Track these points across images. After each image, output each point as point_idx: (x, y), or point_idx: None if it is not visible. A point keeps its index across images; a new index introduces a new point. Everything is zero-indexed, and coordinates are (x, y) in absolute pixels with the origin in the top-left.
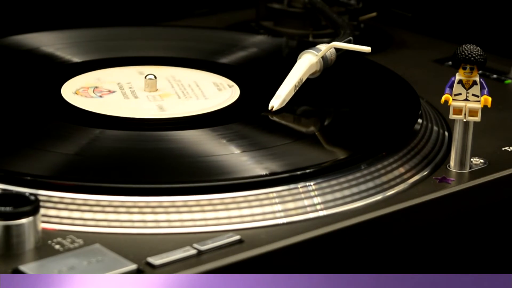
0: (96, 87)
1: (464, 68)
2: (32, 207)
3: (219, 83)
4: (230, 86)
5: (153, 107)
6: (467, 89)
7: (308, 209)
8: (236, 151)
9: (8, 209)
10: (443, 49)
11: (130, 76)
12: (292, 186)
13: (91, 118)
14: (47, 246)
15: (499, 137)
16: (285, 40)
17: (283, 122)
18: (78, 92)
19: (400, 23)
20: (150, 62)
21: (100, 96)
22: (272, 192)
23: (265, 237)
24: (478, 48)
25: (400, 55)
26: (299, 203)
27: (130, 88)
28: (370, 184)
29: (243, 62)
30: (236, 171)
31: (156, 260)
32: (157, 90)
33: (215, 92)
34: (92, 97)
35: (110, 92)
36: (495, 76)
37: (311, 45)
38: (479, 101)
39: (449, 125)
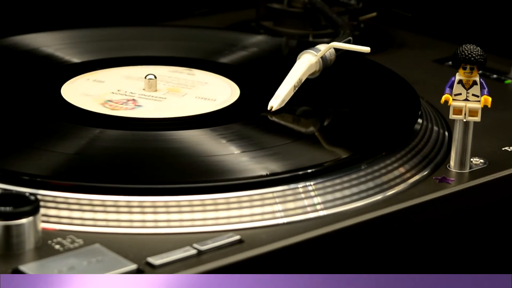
0: (110, 100)
1: (464, 68)
2: (32, 207)
3: (180, 71)
4: (189, 69)
5: (198, 101)
6: (467, 89)
7: (308, 209)
8: (236, 151)
9: (8, 209)
10: (443, 49)
11: (103, 84)
12: (292, 186)
13: (91, 118)
14: (47, 246)
15: (499, 137)
16: (285, 40)
17: (282, 122)
18: (105, 104)
19: (400, 23)
20: (150, 62)
21: (138, 105)
22: (272, 192)
23: (265, 237)
24: (478, 48)
25: (400, 55)
26: (299, 203)
27: (132, 93)
28: (370, 184)
29: (243, 62)
30: (236, 171)
31: (156, 260)
32: (157, 89)
33: (193, 78)
34: (132, 108)
35: (134, 101)
36: (495, 76)
37: (311, 45)
38: (479, 101)
39: (449, 125)
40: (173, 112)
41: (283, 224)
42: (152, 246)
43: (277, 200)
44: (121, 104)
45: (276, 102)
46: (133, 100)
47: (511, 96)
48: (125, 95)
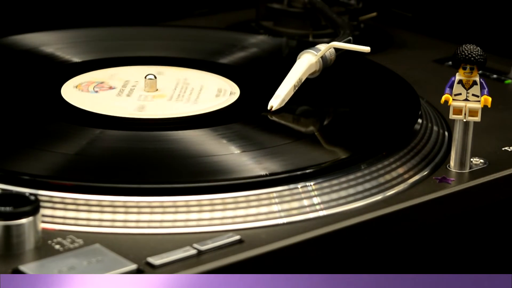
0: (101, 82)
1: (464, 68)
2: (32, 207)
3: (223, 89)
4: (232, 93)
5: (133, 107)
6: (467, 89)
7: (308, 209)
8: (236, 151)
9: (8, 209)
10: (443, 49)
11: (143, 75)
12: (292, 186)
13: (91, 118)
14: (47, 246)
15: (499, 137)
16: (285, 40)
17: (282, 122)
18: (79, 86)
19: (400, 23)
20: (150, 62)
21: (96, 92)
22: (272, 192)
23: (265, 237)
24: (478, 48)
25: (400, 55)
26: (299, 203)
27: (132, 86)
28: (370, 184)
29: (243, 62)
30: (236, 171)
31: (156, 260)
32: (157, 90)
33: (211, 98)
34: (88, 91)
35: (111, 88)
36: (495, 76)
37: (311, 45)
38: (479, 101)
39: (449, 125)
40: (101, 109)
41: (283, 224)
42: (152, 246)
43: (277, 200)
44: (97, 87)
45: (276, 101)
46: (113, 88)
47: (511, 96)
48: (122, 85)
